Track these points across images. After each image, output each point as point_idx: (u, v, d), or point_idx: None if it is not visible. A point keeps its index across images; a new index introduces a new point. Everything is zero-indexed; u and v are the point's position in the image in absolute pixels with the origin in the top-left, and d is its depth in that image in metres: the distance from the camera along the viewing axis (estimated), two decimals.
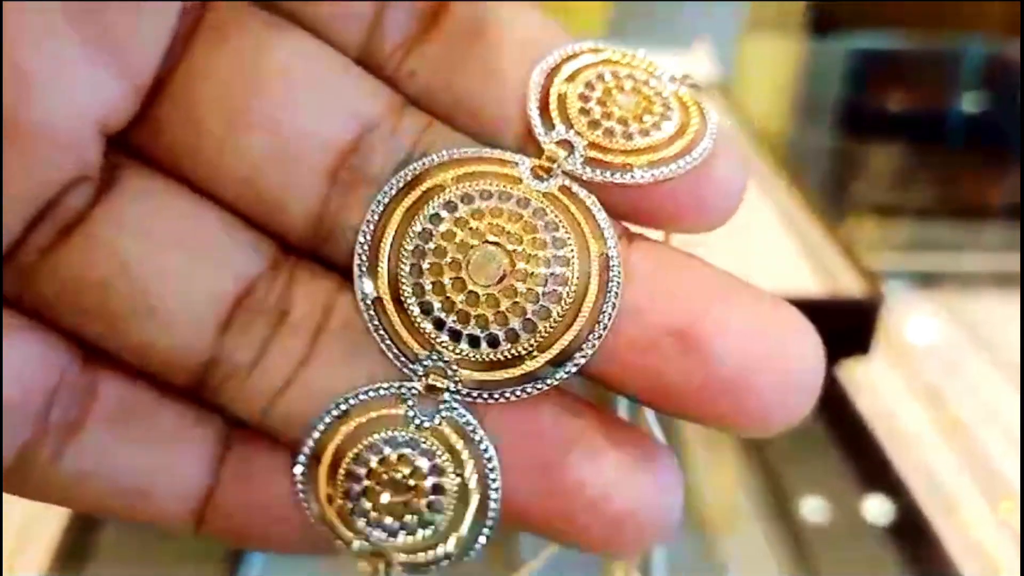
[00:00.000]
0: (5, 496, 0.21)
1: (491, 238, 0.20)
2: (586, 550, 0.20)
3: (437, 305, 0.20)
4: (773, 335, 0.19)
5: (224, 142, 0.21)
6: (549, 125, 0.21)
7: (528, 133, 0.21)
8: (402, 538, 0.20)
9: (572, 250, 0.20)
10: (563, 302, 0.20)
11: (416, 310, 0.20)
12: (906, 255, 0.90)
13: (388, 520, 0.20)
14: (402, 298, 0.20)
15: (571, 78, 0.21)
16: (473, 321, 0.20)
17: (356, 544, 0.21)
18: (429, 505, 0.20)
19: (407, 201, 0.21)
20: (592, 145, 0.21)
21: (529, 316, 0.20)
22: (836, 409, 0.77)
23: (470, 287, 0.20)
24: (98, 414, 0.21)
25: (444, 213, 0.20)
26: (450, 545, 0.20)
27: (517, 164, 0.21)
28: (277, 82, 0.21)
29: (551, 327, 0.20)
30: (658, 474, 0.20)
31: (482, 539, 0.20)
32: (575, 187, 0.21)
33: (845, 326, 0.57)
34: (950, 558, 0.66)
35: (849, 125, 1.13)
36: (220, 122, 0.21)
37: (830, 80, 1.15)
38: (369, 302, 0.21)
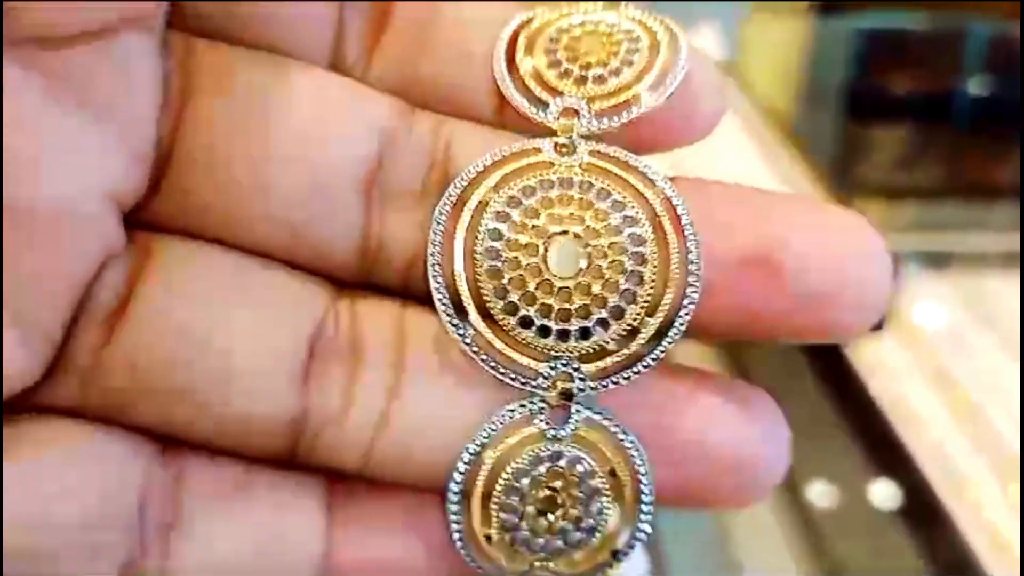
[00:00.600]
0: None
1: (555, 229, 0.20)
2: (711, 507, 0.21)
3: (536, 315, 0.20)
4: (846, 247, 0.19)
5: (252, 186, 0.20)
6: (540, 103, 0.21)
7: (503, 104, 0.21)
8: (571, 554, 0.20)
9: (634, 207, 0.20)
10: (649, 261, 0.20)
11: (517, 329, 0.20)
12: (913, 236, 0.90)
13: (555, 541, 0.20)
14: (498, 321, 0.20)
15: (530, 49, 0.21)
16: (575, 315, 0.20)
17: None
18: (589, 512, 0.20)
19: (462, 225, 0.20)
20: (592, 99, 0.21)
21: (625, 287, 0.20)
22: (847, 391, 0.77)
23: (559, 285, 0.19)
24: (194, 504, 0.20)
25: (501, 226, 0.20)
26: (619, 542, 0.20)
27: (541, 149, 0.20)
28: (291, 113, 0.20)
29: (650, 289, 0.20)
30: (766, 420, 0.21)
31: (644, 526, 0.20)
32: (602, 147, 0.21)
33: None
34: (962, 539, 0.66)
35: (854, 106, 1.13)
36: (244, 167, 0.20)
37: (835, 61, 1.14)
38: (469, 339, 0.20)
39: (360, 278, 0.21)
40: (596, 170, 0.20)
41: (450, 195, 0.20)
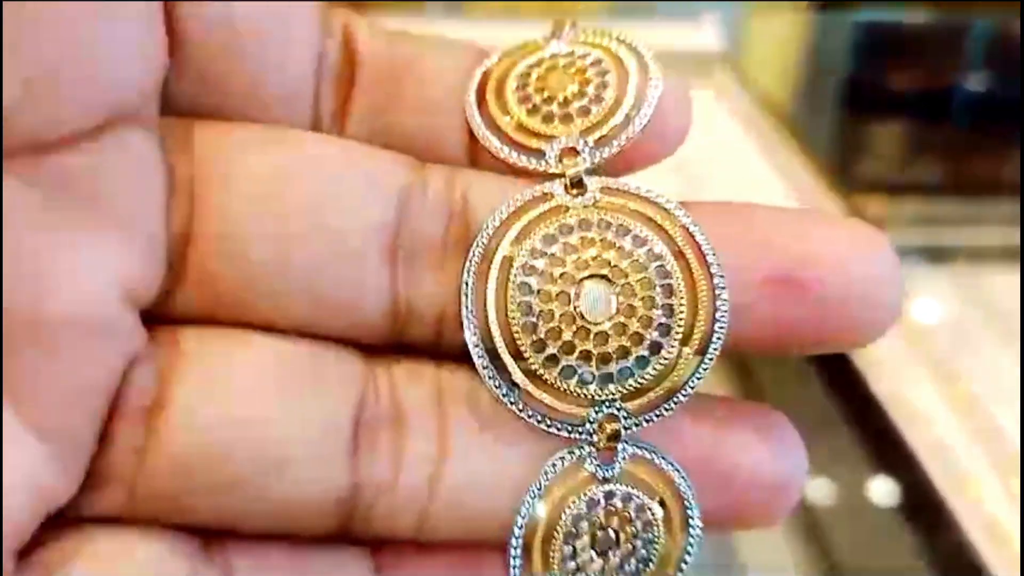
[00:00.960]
0: None
1: (583, 274, 0.20)
2: (743, 528, 0.22)
3: (576, 363, 0.20)
4: (862, 256, 0.20)
5: (276, 264, 0.20)
6: (535, 152, 0.21)
7: (477, 150, 0.21)
8: None
9: (655, 239, 0.20)
10: (677, 293, 0.20)
11: (559, 380, 0.20)
12: (913, 231, 0.90)
13: None
14: (540, 375, 0.20)
15: (500, 98, 0.21)
16: (615, 357, 0.20)
17: None
18: (643, 544, 0.20)
19: (491, 283, 0.20)
20: (585, 132, 0.21)
21: (660, 321, 0.20)
22: (847, 388, 0.76)
23: (595, 330, 0.19)
24: None
25: (530, 279, 0.20)
26: (670, 569, 0.21)
27: (554, 194, 0.20)
28: (304, 184, 0.20)
29: (680, 319, 0.20)
30: (789, 442, 0.21)
31: (692, 549, 0.21)
32: (609, 181, 0.21)
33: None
34: (964, 534, 0.65)
35: (854, 101, 1.13)
36: (264, 246, 0.20)
37: (835, 55, 1.14)
38: (515, 397, 0.20)
39: (391, 340, 0.21)
40: (611, 207, 0.20)
41: (474, 253, 0.20)
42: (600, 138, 0.21)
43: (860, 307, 0.20)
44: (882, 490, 0.70)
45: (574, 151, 0.20)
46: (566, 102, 0.21)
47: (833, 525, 0.69)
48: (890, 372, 0.80)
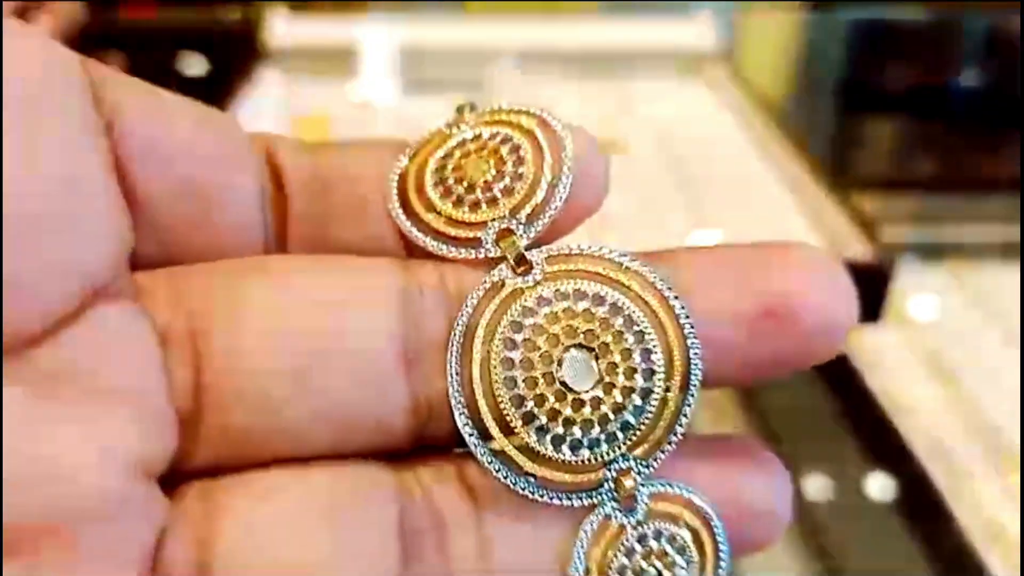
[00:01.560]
0: None
1: (559, 351, 0.20)
2: (739, 555, 0.22)
3: (580, 434, 0.20)
4: (829, 285, 0.20)
5: (298, 397, 0.19)
6: (472, 242, 0.21)
7: (408, 242, 0.21)
8: None
9: (612, 293, 0.20)
10: (648, 336, 0.20)
11: (568, 454, 0.20)
12: (909, 228, 0.90)
13: None
14: (546, 456, 0.20)
15: (421, 193, 0.21)
16: (612, 415, 0.20)
17: None
18: (684, 568, 0.21)
19: (476, 380, 0.20)
20: (514, 210, 0.21)
21: (641, 367, 0.20)
22: (844, 385, 0.77)
23: (587, 396, 0.20)
24: None
25: (513, 373, 0.20)
26: None
27: (504, 280, 0.20)
28: (313, 307, 0.20)
29: (659, 361, 0.20)
30: (778, 472, 0.22)
31: (724, 566, 0.21)
32: (550, 248, 0.21)
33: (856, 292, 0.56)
34: (963, 531, 0.65)
35: (849, 98, 1.13)
36: (284, 381, 0.19)
37: (830, 52, 1.14)
38: (532, 486, 0.20)
39: (414, 443, 0.21)
40: (561, 275, 0.20)
41: (456, 339, 0.20)
42: (531, 213, 0.20)
43: (830, 330, 0.20)
44: (880, 487, 0.71)
45: (509, 232, 0.20)
46: (488, 186, 0.21)
47: (831, 523, 0.69)
48: (886, 368, 0.80)
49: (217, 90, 0.85)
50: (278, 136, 0.22)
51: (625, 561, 0.20)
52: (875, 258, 0.57)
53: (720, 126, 0.77)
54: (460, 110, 0.22)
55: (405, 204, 0.21)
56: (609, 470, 0.20)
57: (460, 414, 0.20)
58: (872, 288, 0.56)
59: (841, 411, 0.76)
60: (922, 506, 0.68)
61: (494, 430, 0.20)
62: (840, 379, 0.77)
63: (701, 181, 0.67)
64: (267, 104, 0.79)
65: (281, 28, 0.83)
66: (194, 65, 1.15)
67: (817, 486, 0.71)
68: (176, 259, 0.20)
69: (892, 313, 0.85)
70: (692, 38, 0.83)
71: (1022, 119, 1.03)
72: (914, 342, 0.83)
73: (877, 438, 0.72)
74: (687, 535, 0.21)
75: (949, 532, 0.65)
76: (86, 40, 1.16)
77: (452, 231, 0.21)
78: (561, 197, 0.20)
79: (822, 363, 0.20)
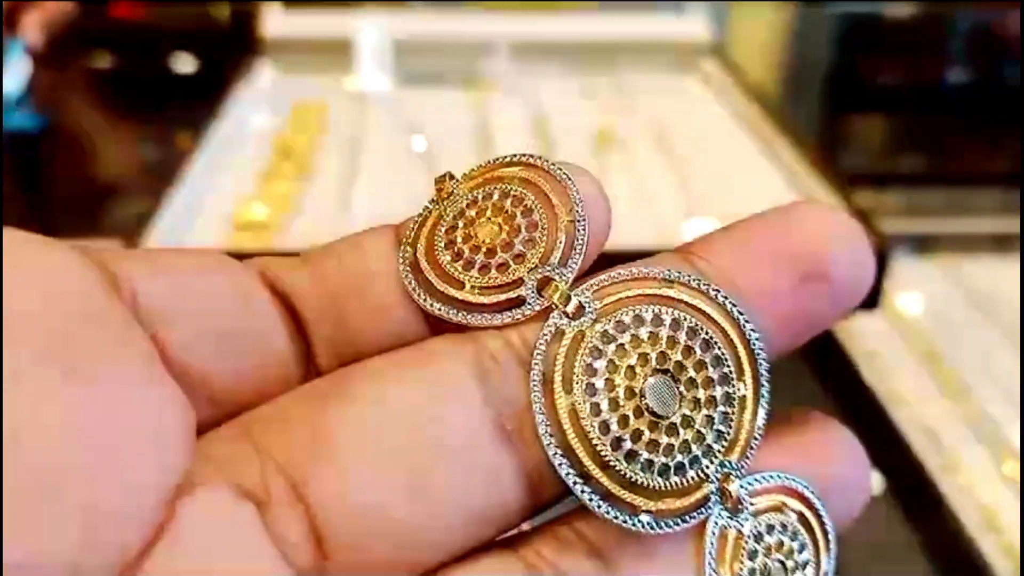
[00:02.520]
0: None
1: (640, 382, 0.19)
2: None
3: (682, 457, 0.19)
4: (850, 238, 0.20)
5: (418, 510, 0.19)
6: (514, 303, 0.20)
7: (430, 319, 0.21)
8: None
9: (665, 310, 0.20)
10: (713, 344, 0.20)
11: (677, 480, 0.19)
12: (898, 221, 0.90)
13: None
14: (656, 488, 0.19)
15: (439, 270, 0.20)
16: (704, 429, 0.20)
17: None
18: (799, 549, 0.21)
19: (564, 416, 0.19)
20: (543, 259, 0.20)
21: (717, 375, 0.20)
22: (839, 377, 0.77)
23: (677, 419, 0.19)
24: None
25: (597, 399, 0.19)
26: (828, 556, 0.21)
27: (564, 329, 0.20)
28: (409, 416, 0.19)
29: (728, 364, 0.20)
30: (848, 443, 0.22)
31: (833, 549, 0.21)
32: (591, 285, 0.20)
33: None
34: (957, 519, 0.66)
35: (838, 93, 1.13)
36: (400, 498, 0.19)
37: (819, 46, 1.15)
38: (650, 518, 0.19)
39: (533, 513, 0.20)
40: (614, 307, 0.20)
41: (540, 422, 0.19)
42: (561, 256, 0.20)
43: (858, 282, 0.20)
44: (875, 478, 0.71)
45: (548, 279, 0.20)
46: (508, 244, 0.20)
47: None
48: (879, 360, 0.80)
49: (209, 87, 0.85)
50: (268, 258, 0.21)
51: (752, 564, 0.20)
52: (871, 244, 0.57)
53: (714, 118, 0.77)
54: (440, 181, 0.22)
55: (430, 290, 0.20)
56: (711, 482, 0.20)
57: (561, 465, 0.19)
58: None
59: (836, 402, 0.77)
60: (917, 496, 0.69)
61: (600, 476, 0.19)
62: (835, 371, 0.78)
63: (695, 171, 0.68)
64: (263, 97, 0.79)
65: (276, 21, 0.83)
66: (185, 63, 1.15)
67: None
68: (228, 415, 0.20)
69: (884, 305, 0.86)
70: (685, 31, 0.84)
71: (1022, 114, 1.04)
72: (906, 333, 0.83)
73: (872, 429, 0.72)
74: (794, 519, 0.21)
75: (945, 522, 0.66)
76: (76, 39, 1.16)
77: (488, 299, 0.20)
78: (584, 232, 0.20)
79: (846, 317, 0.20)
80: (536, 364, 0.19)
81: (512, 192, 0.21)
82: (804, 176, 0.65)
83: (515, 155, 0.21)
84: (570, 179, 0.20)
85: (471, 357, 0.19)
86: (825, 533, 0.21)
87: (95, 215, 0.98)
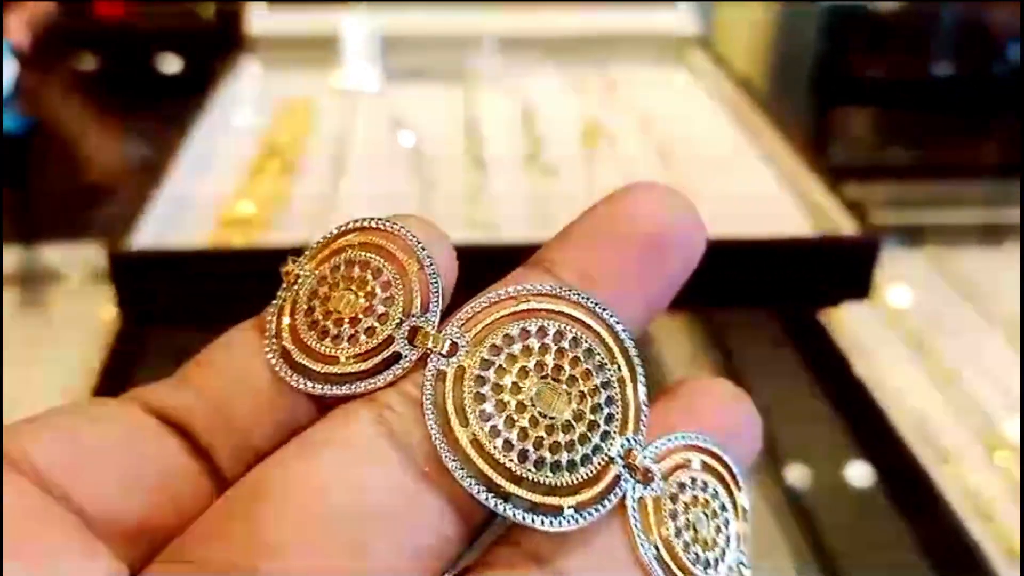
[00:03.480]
0: None
1: (528, 395, 0.20)
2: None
3: (584, 448, 0.20)
4: (683, 209, 0.22)
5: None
6: (387, 363, 0.20)
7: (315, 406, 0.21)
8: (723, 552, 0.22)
9: (540, 321, 0.21)
10: (582, 340, 0.21)
11: (586, 472, 0.20)
12: (885, 213, 0.90)
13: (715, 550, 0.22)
14: (571, 485, 0.20)
15: (307, 351, 0.21)
16: (596, 417, 0.20)
17: None
18: (712, 499, 0.22)
19: (468, 446, 0.20)
20: (406, 311, 0.21)
21: (593, 364, 0.21)
22: (830, 370, 0.77)
23: (571, 416, 0.20)
24: None
25: (494, 423, 0.20)
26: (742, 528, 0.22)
27: (445, 371, 0.20)
28: (335, 496, 0.19)
29: (603, 350, 0.21)
30: (733, 394, 0.23)
31: (745, 502, 0.22)
32: (460, 316, 0.21)
33: (843, 267, 0.56)
34: (950, 509, 0.66)
35: (825, 86, 1.14)
36: (349, 560, 0.19)
37: (806, 40, 1.15)
38: (572, 513, 0.20)
39: (475, 533, 0.20)
40: (483, 332, 0.20)
41: (445, 457, 0.20)
42: (422, 304, 0.21)
43: (694, 252, 0.22)
44: (867, 471, 0.71)
45: (417, 329, 0.20)
46: (369, 309, 0.21)
47: (821, 507, 0.69)
48: (869, 351, 0.80)
49: (195, 86, 0.84)
50: (147, 389, 0.21)
51: (676, 523, 0.21)
52: (862, 233, 0.56)
53: (702, 110, 0.76)
54: (284, 265, 0.22)
55: (308, 374, 0.20)
56: (617, 462, 0.20)
57: (479, 492, 0.19)
58: (860, 263, 0.56)
59: (826, 394, 0.77)
60: (909, 484, 0.69)
61: (518, 491, 0.20)
62: (826, 363, 0.77)
63: (684, 162, 0.67)
64: (248, 95, 0.78)
65: (261, 18, 0.83)
66: (170, 64, 1.15)
67: (805, 471, 0.71)
68: (157, 549, 0.20)
69: (873, 296, 0.86)
70: (673, 25, 0.83)
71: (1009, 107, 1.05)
72: (894, 324, 0.83)
73: (863, 420, 0.72)
74: (701, 470, 0.21)
75: (937, 510, 0.66)
76: (59, 40, 1.15)
77: (366, 365, 0.20)
78: (435, 275, 0.21)
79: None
80: (428, 407, 0.19)
81: (357, 259, 0.21)
82: (792, 166, 0.64)
83: (347, 223, 0.22)
84: (405, 229, 0.21)
85: (371, 417, 0.20)
86: (732, 475, 0.22)
87: (82, 215, 0.97)
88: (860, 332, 0.81)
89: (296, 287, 0.21)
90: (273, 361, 0.21)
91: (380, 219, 0.21)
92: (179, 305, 0.54)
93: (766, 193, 0.64)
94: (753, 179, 0.66)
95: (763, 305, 0.74)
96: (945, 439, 0.71)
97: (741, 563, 0.22)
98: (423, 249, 0.21)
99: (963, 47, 1.20)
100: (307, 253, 0.22)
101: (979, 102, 1.16)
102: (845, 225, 0.58)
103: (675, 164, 0.67)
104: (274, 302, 0.21)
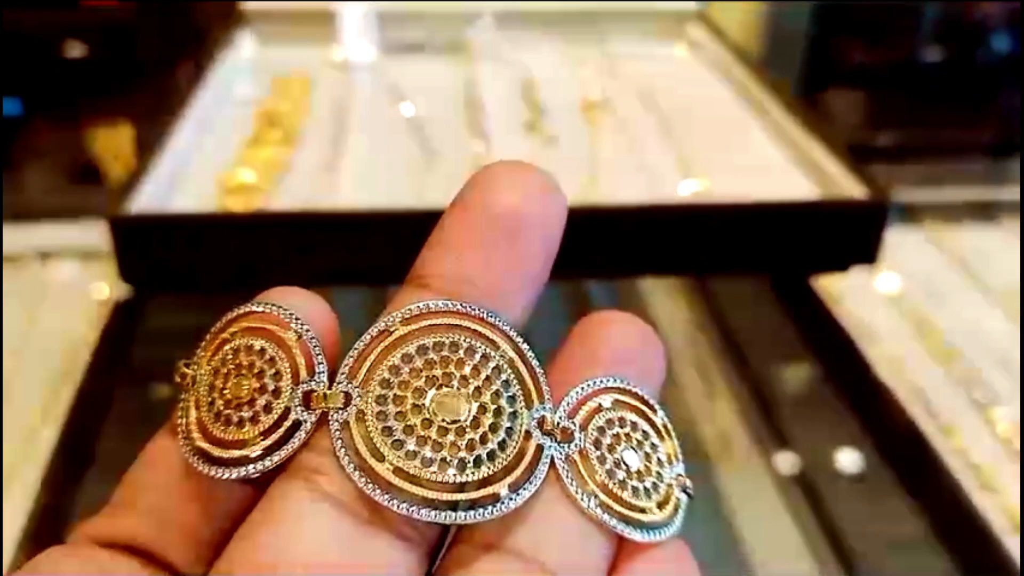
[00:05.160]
0: None
1: (429, 412, 0.21)
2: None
3: (500, 436, 0.21)
4: (538, 184, 0.22)
5: None
6: (292, 430, 0.21)
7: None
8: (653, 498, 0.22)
9: (418, 341, 0.21)
10: (456, 335, 0.21)
11: (503, 457, 0.21)
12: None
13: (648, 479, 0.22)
14: (496, 472, 0.21)
15: (218, 444, 0.21)
16: (504, 397, 0.21)
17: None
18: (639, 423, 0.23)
19: (392, 476, 0.20)
20: (295, 378, 0.21)
21: (481, 354, 0.21)
22: (832, 345, 0.76)
23: (475, 411, 0.21)
24: None
25: (419, 449, 0.21)
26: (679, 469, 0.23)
27: (343, 417, 0.21)
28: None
29: (484, 341, 0.22)
30: (627, 319, 0.24)
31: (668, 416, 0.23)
32: (343, 371, 0.21)
33: (851, 231, 0.55)
34: (953, 478, 0.65)
35: (816, 69, 1.14)
36: None
37: (797, 28, 1.15)
38: (511, 495, 0.21)
39: (436, 548, 0.21)
40: (370, 374, 0.21)
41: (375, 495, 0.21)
42: (307, 368, 0.21)
43: (556, 227, 0.22)
44: (869, 446, 0.70)
45: (310, 393, 0.21)
46: (262, 388, 0.21)
47: (825, 483, 0.68)
48: (870, 327, 0.79)
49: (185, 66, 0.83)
50: (89, 525, 0.22)
51: (607, 466, 0.22)
52: (869, 197, 0.55)
53: (703, 82, 0.75)
54: (178, 369, 0.23)
55: (225, 463, 0.21)
56: (533, 434, 0.21)
57: (420, 514, 0.20)
58: (868, 227, 0.55)
59: (829, 372, 0.76)
60: (914, 458, 0.68)
61: (455, 496, 0.20)
62: (829, 341, 0.77)
63: (686, 133, 0.66)
64: (245, 68, 0.77)
65: None
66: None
67: (806, 444, 0.71)
68: None
69: (872, 273, 0.85)
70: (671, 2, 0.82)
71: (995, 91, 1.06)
72: (894, 300, 0.83)
73: (867, 396, 0.72)
74: (613, 408, 0.22)
75: (942, 483, 0.65)
76: (47, 31, 1.14)
77: (271, 440, 0.21)
78: (313, 338, 0.22)
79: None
80: (344, 457, 0.20)
81: (241, 346, 0.22)
82: (797, 134, 0.63)
83: (228, 315, 0.22)
84: (275, 306, 0.22)
85: (302, 486, 0.20)
86: (644, 401, 0.23)
87: (81, 190, 0.96)
88: (860, 309, 0.81)
89: (195, 387, 0.22)
90: (191, 460, 0.21)
91: (252, 303, 0.22)
92: (180, 271, 0.53)
93: (771, 160, 0.63)
94: (757, 147, 0.65)
95: (769, 271, 0.74)
96: (947, 412, 0.71)
97: (679, 474, 0.23)
98: (297, 319, 0.22)
99: (949, 35, 1.21)
100: (197, 354, 0.22)
101: (966, 87, 1.16)
102: (853, 189, 0.56)
103: (678, 133, 0.66)
104: (180, 406, 0.22)
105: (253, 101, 0.71)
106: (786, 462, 0.71)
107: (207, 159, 0.62)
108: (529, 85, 0.73)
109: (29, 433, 0.64)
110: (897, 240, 0.83)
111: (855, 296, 0.82)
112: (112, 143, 1.09)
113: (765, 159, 0.63)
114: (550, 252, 0.22)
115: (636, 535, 0.21)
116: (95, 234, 0.85)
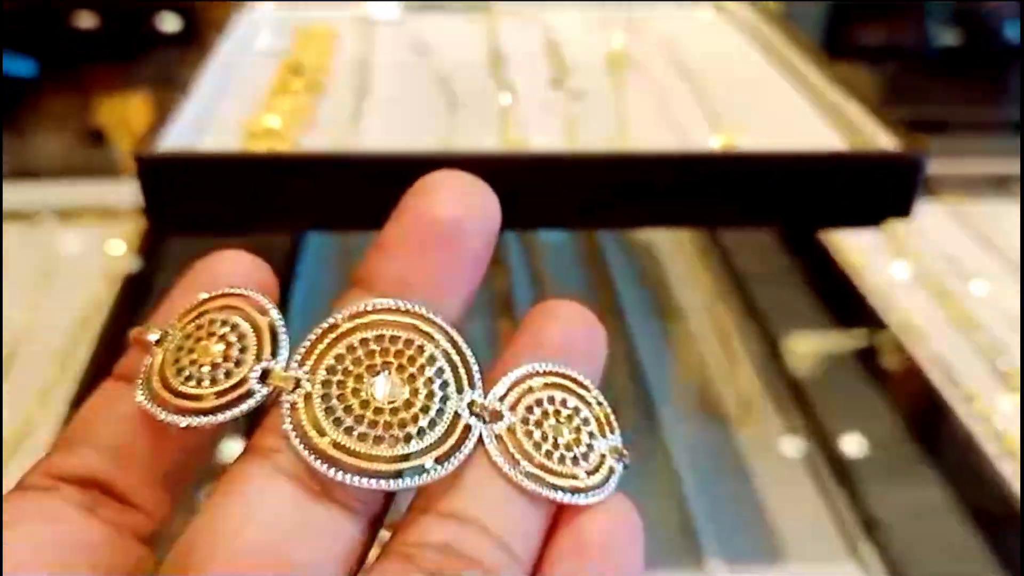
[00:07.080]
0: None
1: (367, 395, 0.22)
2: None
3: (431, 416, 0.22)
4: (458, 191, 0.24)
5: None
6: (243, 397, 0.23)
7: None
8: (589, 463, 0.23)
9: (364, 334, 0.23)
10: (406, 333, 0.23)
11: (436, 429, 0.22)
12: None
13: (577, 451, 0.24)
14: (426, 445, 0.22)
15: (176, 394, 0.23)
16: (437, 381, 0.23)
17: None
18: (570, 396, 0.24)
19: (327, 446, 0.22)
20: (258, 356, 0.23)
21: (418, 343, 0.23)
22: (855, 314, 0.76)
23: (408, 394, 0.22)
24: None
25: (364, 430, 0.22)
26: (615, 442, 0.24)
27: (292, 400, 0.22)
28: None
29: (424, 338, 0.23)
30: (568, 305, 0.25)
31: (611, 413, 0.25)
32: (296, 355, 0.23)
33: (888, 183, 0.53)
34: (977, 444, 0.64)
35: (830, 50, 1.14)
36: None
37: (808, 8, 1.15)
38: (433, 469, 0.22)
39: (379, 520, 0.23)
40: (318, 362, 0.23)
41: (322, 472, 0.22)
42: (272, 346, 0.23)
43: (491, 227, 0.24)
44: (892, 418, 0.70)
45: (267, 371, 0.23)
46: (228, 356, 0.23)
47: (849, 455, 0.68)
48: (889, 296, 0.79)
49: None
50: (39, 461, 0.23)
51: (534, 439, 0.23)
52: (904, 149, 0.54)
53: (731, 42, 0.74)
54: (146, 329, 0.24)
55: (179, 411, 0.23)
56: (462, 416, 0.23)
57: (360, 484, 0.22)
58: (904, 179, 0.53)
59: (852, 341, 0.76)
60: (937, 426, 0.67)
61: (389, 467, 0.22)
62: (852, 310, 0.77)
63: (716, 89, 0.65)
64: (267, 23, 0.76)
65: None
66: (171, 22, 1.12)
67: (830, 416, 0.70)
68: None
69: (893, 241, 0.85)
70: None
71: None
72: (914, 271, 0.83)
73: (890, 364, 0.71)
74: (543, 388, 0.24)
75: (966, 450, 0.64)
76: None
77: (224, 400, 0.23)
78: (284, 327, 0.23)
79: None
80: (291, 434, 0.22)
81: (217, 318, 0.24)
82: (828, 91, 0.62)
83: (212, 293, 0.24)
84: (258, 295, 0.24)
85: (260, 462, 0.22)
86: (576, 380, 0.24)
87: (90, 153, 0.95)
88: (880, 279, 0.80)
89: (166, 344, 0.24)
90: (144, 403, 0.23)
91: (238, 288, 0.24)
92: (206, 211, 0.51)
93: (803, 117, 0.62)
94: (788, 104, 0.63)
95: (803, 225, 0.72)
96: (969, 380, 0.71)
97: (615, 445, 0.24)
98: (273, 308, 0.24)
99: (961, 19, 1.21)
100: (176, 319, 0.24)
101: (979, 68, 1.17)
102: (887, 143, 0.55)
103: (706, 90, 0.64)
104: (147, 359, 0.24)
105: (277, 53, 0.69)
106: (806, 429, 0.70)
107: (232, 106, 0.61)
108: (553, 44, 0.72)
109: (41, 395, 0.64)
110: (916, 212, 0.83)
111: (875, 267, 0.82)
112: (120, 112, 1.08)
113: (796, 115, 0.62)
114: (484, 255, 0.24)
115: (566, 498, 0.22)
116: (110, 193, 0.85)
